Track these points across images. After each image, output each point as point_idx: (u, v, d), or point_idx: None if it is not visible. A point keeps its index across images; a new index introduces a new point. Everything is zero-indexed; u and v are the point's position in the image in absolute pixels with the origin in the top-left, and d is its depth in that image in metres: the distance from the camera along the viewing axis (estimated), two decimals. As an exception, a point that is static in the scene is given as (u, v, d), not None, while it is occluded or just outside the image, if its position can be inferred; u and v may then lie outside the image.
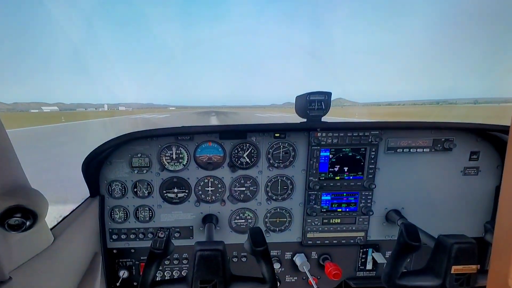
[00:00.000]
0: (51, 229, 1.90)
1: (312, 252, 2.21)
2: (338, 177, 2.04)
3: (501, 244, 1.28)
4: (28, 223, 1.58)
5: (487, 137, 2.05)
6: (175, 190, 2.07)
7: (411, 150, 2.05)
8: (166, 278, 2.21)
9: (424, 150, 2.05)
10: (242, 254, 2.16)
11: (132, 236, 2.12)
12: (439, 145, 2.05)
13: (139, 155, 2.04)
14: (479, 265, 1.82)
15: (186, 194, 2.07)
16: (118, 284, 2.17)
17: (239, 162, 2.03)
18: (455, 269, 1.87)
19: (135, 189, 2.06)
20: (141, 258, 2.18)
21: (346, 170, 2.03)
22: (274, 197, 2.09)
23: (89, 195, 2.06)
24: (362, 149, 2.01)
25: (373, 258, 2.24)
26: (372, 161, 2.02)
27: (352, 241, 2.15)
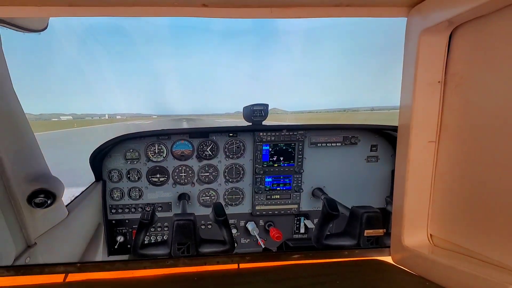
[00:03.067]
0: (66, 205, 2.33)
1: (260, 220, 2.66)
2: (276, 165, 2.57)
3: (397, 213, 1.74)
4: (49, 201, 2.04)
5: (383, 134, 2.57)
6: (158, 175, 2.60)
7: (327, 144, 2.58)
8: (152, 241, 2.69)
9: (337, 144, 2.58)
10: (208, 222, 2.64)
11: (126, 210, 2.65)
12: (347, 141, 2.58)
13: (131, 150, 2.57)
14: (385, 229, 2.22)
15: (165, 178, 2.60)
16: (116, 246, 2.65)
17: (204, 154, 2.57)
18: (367, 232, 2.27)
19: (128, 175, 2.59)
20: (133, 226, 2.64)
21: (281, 159, 2.56)
22: (230, 180, 2.63)
23: (94, 180, 2.60)
24: (292, 144, 2.54)
25: (304, 224, 2.69)
26: (300, 152, 2.56)
27: (288, 211, 2.67)
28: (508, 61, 1.24)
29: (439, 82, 1.58)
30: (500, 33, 1.30)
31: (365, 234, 2.31)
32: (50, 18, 1.99)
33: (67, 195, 2.36)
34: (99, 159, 2.53)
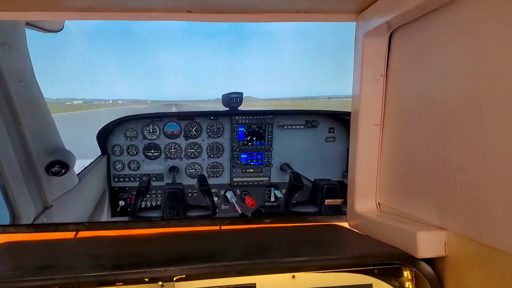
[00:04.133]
0: (77, 174, 2.62)
1: (237, 190, 2.97)
2: (250, 144, 2.87)
3: (351, 185, 1.97)
4: (63, 171, 2.32)
5: (339, 118, 2.84)
6: (152, 151, 2.91)
7: (292, 127, 2.86)
8: (147, 206, 3.00)
9: (300, 126, 2.86)
10: (194, 191, 2.95)
11: (126, 179, 2.95)
12: (309, 124, 2.86)
13: (130, 129, 2.87)
14: (342, 199, 2.51)
15: (158, 153, 2.91)
16: (118, 210, 2.98)
17: (190, 134, 2.87)
18: (327, 201, 2.56)
19: (128, 150, 2.90)
20: (132, 193, 2.96)
21: (254, 139, 2.85)
22: (212, 156, 2.93)
23: (100, 153, 2.92)
24: (263, 126, 2.83)
25: (274, 194, 2.97)
26: (270, 133, 2.84)
27: (261, 183, 2.96)
28: (430, 58, 1.47)
29: (381, 75, 1.78)
30: (425, 36, 1.52)
31: (325, 203, 2.51)
32: (66, 21, 2.25)
33: (78, 166, 2.67)
34: (104, 136, 2.83)
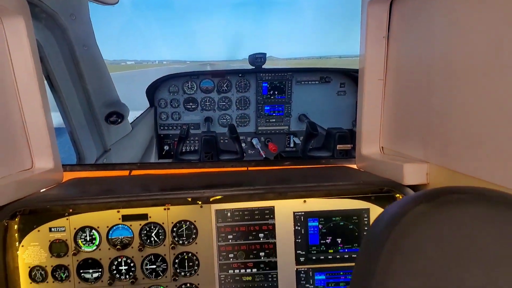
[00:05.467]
0: (130, 123, 2.93)
1: (261, 137, 3.20)
2: (272, 97, 3.07)
3: (359, 133, 2.15)
4: (119, 120, 2.59)
5: (349, 75, 2.98)
6: (190, 104, 3.17)
7: (309, 82, 3.03)
8: (187, 150, 3.22)
9: (315, 82, 3.03)
10: (225, 138, 3.18)
11: (170, 128, 3.21)
12: (323, 80, 3.01)
13: (172, 86, 3.12)
14: (352, 145, 2.69)
15: (196, 106, 3.15)
16: (163, 153, 3.24)
17: (221, 89, 3.11)
18: (339, 147, 2.78)
19: (171, 103, 3.17)
20: (175, 139, 3.22)
21: (276, 93, 3.06)
22: (240, 108, 3.15)
23: (149, 106, 3.17)
24: (283, 82, 3.02)
25: (293, 140, 3.18)
26: (289, 88, 3.03)
27: (282, 131, 3.15)
28: (421, 25, 1.59)
29: (383, 37, 1.93)
30: (418, 5, 1.64)
31: (337, 148, 2.73)
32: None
33: (131, 116, 3.00)
34: (151, 91, 3.14)
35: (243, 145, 3.20)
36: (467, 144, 1.22)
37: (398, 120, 1.86)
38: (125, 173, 2.63)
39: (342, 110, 3.08)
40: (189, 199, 1.48)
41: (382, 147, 2.07)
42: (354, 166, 2.42)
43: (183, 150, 3.21)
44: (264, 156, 3.16)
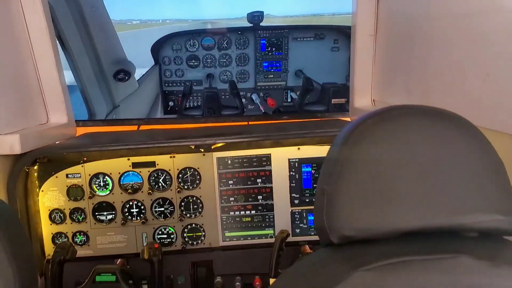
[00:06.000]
0: (137, 80, 3.01)
1: (260, 93, 3.28)
2: (270, 54, 3.12)
3: (352, 87, 2.20)
4: (126, 77, 2.64)
5: (342, 31, 3.00)
6: (193, 61, 3.21)
7: (304, 39, 3.06)
8: (191, 106, 3.27)
9: (310, 39, 3.05)
10: (226, 94, 3.24)
11: (174, 84, 3.26)
12: (317, 36, 3.06)
13: (176, 44, 3.14)
14: (346, 99, 2.75)
15: (198, 62, 3.20)
16: (168, 109, 3.30)
17: (222, 46, 3.17)
18: (334, 101, 2.83)
19: (174, 60, 3.22)
20: (179, 95, 3.30)
21: (274, 50, 3.10)
22: (240, 64, 3.20)
23: (154, 63, 3.21)
24: (280, 39, 3.05)
25: (290, 95, 3.24)
26: (286, 45, 3.08)
27: (279, 86, 3.20)
28: None
29: None
30: None
31: (332, 102, 2.81)
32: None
33: (137, 74, 3.06)
34: (156, 49, 3.21)
35: (243, 100, 3.25)
36: (443, 90, 1.30)
37: (387, 73, 1.92)
38: (134, 127, 2.70)
39: (336, 65, 3.13)
40: (192, 147, 1.57)
41: (373, 99, 2.13)
42: (348, 119, 2.48)
43: (187, 106, 3.27)
44: (263, 111, 3.22)
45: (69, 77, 2.50)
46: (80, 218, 1.61)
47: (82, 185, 1.59)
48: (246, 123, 2.92)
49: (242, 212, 1.65)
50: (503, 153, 0.98)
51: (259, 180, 1.63)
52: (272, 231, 1.66)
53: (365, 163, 0.63)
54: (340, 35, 3.07)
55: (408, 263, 0.55)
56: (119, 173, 1.59)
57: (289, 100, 3.27)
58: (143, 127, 2.74)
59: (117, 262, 1.51)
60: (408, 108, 0.67)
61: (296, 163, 1.64)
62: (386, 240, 0.61)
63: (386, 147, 0.62)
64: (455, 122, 0.65)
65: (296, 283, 0.65)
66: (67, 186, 1.59)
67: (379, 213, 0.60)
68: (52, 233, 1.61)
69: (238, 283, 1.60)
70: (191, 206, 1.61)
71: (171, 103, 3.32)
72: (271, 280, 1.46)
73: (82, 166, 1.58)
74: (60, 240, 1.59)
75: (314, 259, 0.70)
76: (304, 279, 0.63)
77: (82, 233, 1.61)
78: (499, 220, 0.59)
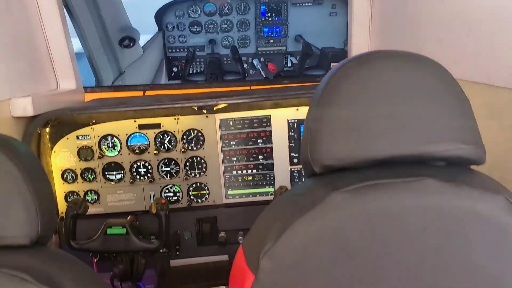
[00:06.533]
0: (142, 47, 3.01)
1: (261, 58, 3.32)
2: (270, 19, 3.10)
3: (349, 50, 2.17)
4: (131, 44, 2.61)
5: None
6: (195, 27, 3.22)
7: (303, 4, 3.03)
8: (194, 72, 3.29)
9: (309, 4, 3.02)
10: (228, 59, 3.25)
11: (177, 50, 3.26)
12: (315, 1, 3.00)
13: (178, 10, 3.13)
14: None
15: (200, 28, 3.20)
16: (172, 75, 3.33)
17: (223, 12, 3.17)
18: (333, 65, 2.81)
19: (177, 26, 3.26)
20: (182, 61, 3.32)
21: (273, 15, 3.08)
22: (241, 30, 3.22)
23: (157, 29, 3.23)
24: (280, 4, 3.02)
25: (290, 60, 3.30)
26: (285, 10, 3.09)
27: (280, 51, 3.21)
28: None
29: None
30: None
31: (331, 66, 2.78)
32: None
33: (142, 40, 3.08)
34: (159, 16, 3.24)
35: (245, 66, 3.26)
36: (433, 45, 1.30)
37: (384, 36, 1.89)
38: (140, 93, 2.69)
39: (335, 30, 3.13)
40: (196, 108, 1.57)
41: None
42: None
43: (190, 72, 3.29)
44: (264, 76, 3.25)
45: (76, 45, 2.50)
46: (91, 178, 1.64)
47: (91, 146, 1.62)
48: (248, 87, 2.91)
49: (244, 171, 1.69)
50: (481, 100, 1.00)
51: (259, 141, 1.65)
52: (272, 189, 1.71)
53: (344, 102, 0.67)
54: (338, 0, 3.05)
55: (380, 186, 0.60)
56: (127, 134, 1.61)
57: (289, 65, 3.33)
58: (148, 93, 2.73)
59: (127, 219, 1.55)
60: (384, 52, 0.71)
61: (295, 124, 1.65)
62: (361, 168, 0.66)
63: (363, 87, 0.66)
64: (424, 63, 0.69)
65: (283, 207, 0.72)
66: (77, 147, 1.62)
67: (355, 144, 0.66)
68: (64, 192, 1.65)
69: (240, 237, 1.66)
70: (196, 166, 1.65)
71: (175, 69, 3.39)
72: None
73: (92, 128, 1.60)
74: (73, 198, 1.64)
75: (299, 187, 0.79)
76: (291, 204, 0.70)
77: (93, 192, 1.65)
78: (463, 148, 0.64)
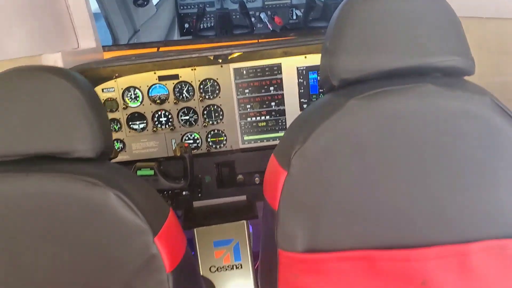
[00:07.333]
0: (155, 5, 2.93)
1: (268, 11, 3.27)
2: None
3: None
4: (145, 2, 2.58)
5: None
6: None
7: None
8: (205, 27, 3.22)
9: None
10: (236, 14, 3.20)
11: (188, 7, 3.22)
12: None
13: None
14: None
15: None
16: (184, 31, 3.35)
17: None
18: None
19: None
20: (193, 17, 3.31)
21: None
22: None
23: None
24: None
25: (295, 13, 3.25)
26: None
27: (285, 4, 3.18)
28: None
29: None
30: None
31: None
32: None
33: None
34: None
35: (252, 19, 3.25)
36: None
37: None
38: (154, 50, 2.70)
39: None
40: (211, 58, 1.57)
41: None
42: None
43: (201, 27, 3.28)
44: (271, 29, 3.22)
45: (94, 5, 2.47)
46: (117, 128, 1.71)
47: (116, 98, 1.66)
48: (256, 41, 2.89)
49: (258, 118, 1.73)
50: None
51: (271, 88, 1.67)
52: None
53: (357, 23, 0.75)
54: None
55: (389, 92, 0.69)
56: (147, 86, 1.64)
57: (294, 17, 3.30)
58: (162, 49, 2.74)
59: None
60: None
61: (304, 71, 1.67)
62: (372, 79, 0.75)
63: (373, 10, 0.75)
64: None
65: (308, 116, 0.82)
66: (103, 99, 1.67)
67: (367, 58, 0.75)
68: None
69: (256, 179, 1.74)
70: (213, 114, 1.69)
71: (186, 25, 3.36)
72: None
73: (115, 81, 1.64)
74: None
75: (321, 101, 0.86)
76: (314, 113, 0.80)
77: (119, 141, 1.70)
78: (456, 59, 0.74)
